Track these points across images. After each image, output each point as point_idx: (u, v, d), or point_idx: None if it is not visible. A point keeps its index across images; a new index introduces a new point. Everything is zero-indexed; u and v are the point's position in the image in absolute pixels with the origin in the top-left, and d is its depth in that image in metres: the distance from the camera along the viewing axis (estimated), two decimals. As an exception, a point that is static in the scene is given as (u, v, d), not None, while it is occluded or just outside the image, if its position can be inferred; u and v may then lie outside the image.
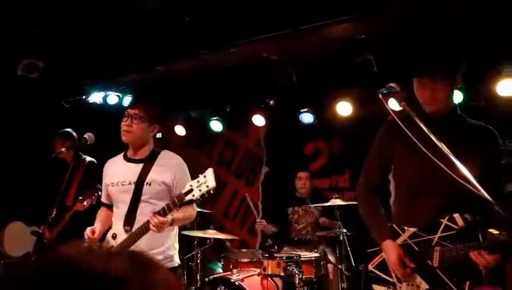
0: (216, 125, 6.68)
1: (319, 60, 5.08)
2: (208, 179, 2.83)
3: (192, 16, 4.30)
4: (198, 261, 5.20)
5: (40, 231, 3.41)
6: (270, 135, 6.98)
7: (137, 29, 4.62)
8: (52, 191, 3.16)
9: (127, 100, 5.88)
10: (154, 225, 2.90)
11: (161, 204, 3.06)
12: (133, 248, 3.00)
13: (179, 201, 2.91)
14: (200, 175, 2.88)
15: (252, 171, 7.22)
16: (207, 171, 2.88)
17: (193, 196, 2.85)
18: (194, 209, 3.27)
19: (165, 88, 5.97)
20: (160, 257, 3.10)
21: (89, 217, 3.33)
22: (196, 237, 5.26)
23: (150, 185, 3.13)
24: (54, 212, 2.87)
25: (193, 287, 5.28)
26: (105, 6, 4.30)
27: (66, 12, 4.32)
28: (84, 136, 2.99)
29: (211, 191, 2.84)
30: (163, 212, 2.92)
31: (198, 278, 5.15)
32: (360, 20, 4.12)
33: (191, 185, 2.87)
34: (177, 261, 3.26)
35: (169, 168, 3.17)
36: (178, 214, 3.11)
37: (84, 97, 5.80)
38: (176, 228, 3.32)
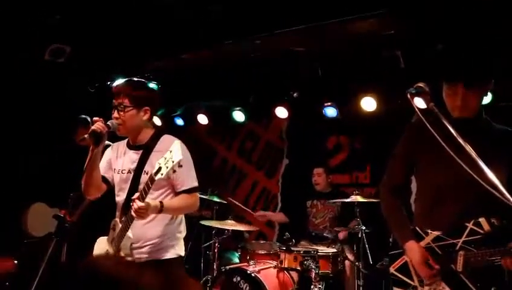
0: (239, 116, 6.67)
1: (345, 54, 5.02)
2: (174, 154, 2.67)
3: (218, 6, 4.28)
4: (216, 250, 5.22)
5: (61, 215, 3.44)
6: (293, 127, 6.93)
7: (164, 16, 4.63)
8: (75, 176, 3.18)
9: (152, 87, 5.91)
10: (133, 211, 2.77)
11: (160, 194, 2.98)
12: (126, 237, 2.92)
13: (150, 182, 2.76)
14: (167, 151, 2.72)
15: (273, 163, 7.20)
16: (173, 144, 2.72)
17: (161, 174, 2.69)
18: (192, 198, 3.06)
19: (189, 77, 5.99)
20: (150, 248, 2.99)
21: (107, 201, 3.32)
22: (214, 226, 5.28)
23: (147, 173, 2.95)
24: (75, 197, 2.88)
25: (209, 276, 5.32)
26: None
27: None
28: (108, 122, 2.96)
29: (178, 165, 2.68)
30: (141, 197, 2.77)
31: (214, 267, 5.17)
32: (389, 15, 4.05)
33: (159, 163, 2.71)
34: (176, 252, 3.10)
35: (164, 154, 2.94)
36: (170, 201, 2.99)
37: (109, 83, 5.84)
38: (180, 217, 3.16)
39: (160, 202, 2.91)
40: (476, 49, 2.67)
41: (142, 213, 2.79)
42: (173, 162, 2.66)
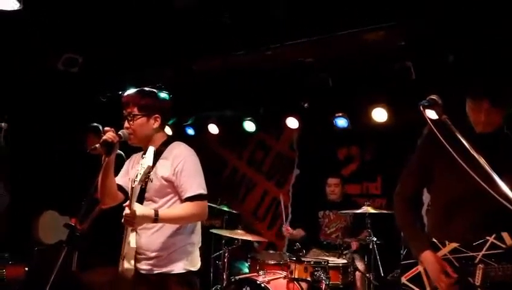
0: (249, 126, 6.68)
1: (355, 65, 5.02)
2: (146, 160, 2.61)
3: (230, 17, 4.31)
4: (226, 260, 5.21)
5: (72, 224, 3.46)
6: (303, 137, 6.94)
7: (175, 27, 4.67)
8: (86, 185, 3.19)
9: (163, 96, 5.94)
10: (123, 219, 2.71)
11: (165, 202, 2.91)
12: (126, 245, 2.83)
13: (131, 190, 2.70)
14: (143, 157, 2.67)
15: (283, 173, 7.19)
16: (147, 150, 2.68)
17: (136, 181, 2.63)
18: (196, 206, 2.88)
19: (200, 87, 6.02)
20: (155, 260, 2.89)
21: (117, 211, 3.32)
22: (224, 236, 5.27)
23: (152, 181, 2.89)
24: (85, 206, 2.88)
25: (219, 286, 5.31)
26: (143, 4, 4.35)
27: (104, 9, 4.39)
28: (119, 132, 2.97)
29: (149, 171, 2.66)
30: (129, 205, 2.69)
31: (224, 277, 5.16)
32: (400, 27, 4.05)
33: (137, 170, 2.67)
34: (185, 267, 2.93)
35: (169, 161, 2.86)
36: (167, 210, 2.87)
37: (120, 93, 5.88)
38: (191, 229, 3.00)
39: (155, 211, 2.79)
40: (501, 65, 2.65)
41: (129, 221, 2.70)
42: (144, 167, 2.61)
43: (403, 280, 2.64)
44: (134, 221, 2.72)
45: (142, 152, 3.14)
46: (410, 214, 2.69)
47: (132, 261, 2.83)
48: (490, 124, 2.45)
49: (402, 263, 2.68)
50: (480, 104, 2.42)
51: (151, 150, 2.69)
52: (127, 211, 2.69)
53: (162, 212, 2.81)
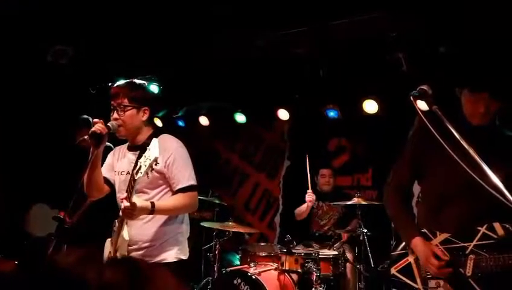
0: (240, 117, 6.67)
1: (347, 56, 5.01)
2: (151, 152, 2.61)
3: (221, 8, 4.27)
4: (216, 252, 5.21)
5: (61, 217, 3.44)
6: (294, 129, 6.93)
7: (164, 19, 4.62)
8: (75, 178, 3.16)
9: (153, 88, 5.89)
10: (121, 211, 2.73)
11: (156, 193, 2.94)
12: (120, 237, 2.85)
13: (133, 182, 2.71)
14: (147, 149, 2.67)
15: (274, 164, 7.19)
16: (152, 141, 2.67)
17: (141, 173, 2.63)
18: (188, 197, 2.96)
19: (190, 78, 5.98)
20: (148, 250, 2.93)
21: (107, 203, 3.30)
22: (215, 228, 5.26)
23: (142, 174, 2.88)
24: (74, 199, 2.86)
25: (210, 278, 5.30)
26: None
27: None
28: (108, 124, 2.95)
29: (155, 162, 2.61)
30: (127, 198, 2.72)
31: (215, 269, 5.16)
32: (391, 18, 4.04)
33: (139, 162, 2.66)
34: (177, 255, 3.01)
35: (161, 153, 2.84)
36: (162, 202, 2.91)
37: (110, 84, 5.83)
38: (181, 219, 3.07)
39: (151, 202, 2.83)
40: (501, 58, 2.65)
41: (128, 213, 2.74)
42: (150, 159, 2.60)
43: (393, 271, 2.63)
44: (134, 213, 2.75)
45: (126, 145, 3.17)
46: (401, 204, 2.69)
47: (125, 253, 2.85)
48: (487, 115, 2.44)
49: (392, 254, 2.68)
50: (480, 96, 2.41)
51: (155, 142, 2.68)
52: (126, 203, 2.71)
53: (158, 203, 2.86)
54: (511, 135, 2.57)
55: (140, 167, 2.66)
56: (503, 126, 2.58)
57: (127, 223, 2.85)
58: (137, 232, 2.91)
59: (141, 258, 2.62)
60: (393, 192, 2.74)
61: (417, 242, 2.50)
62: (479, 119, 2.46)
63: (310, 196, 5.29)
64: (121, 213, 2.77)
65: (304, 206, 5.38)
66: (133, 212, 2.74)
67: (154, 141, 2.69)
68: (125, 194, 2.78)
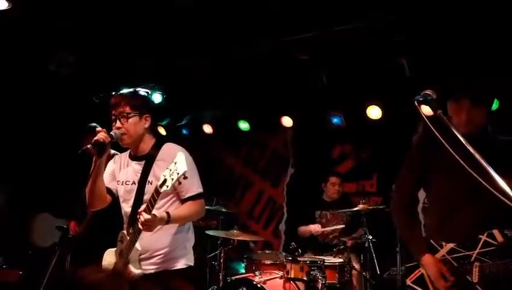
0: (244, 125, 6.67)
1: (350, 62, 5.01)
2: (179, 165, 2.60)
3: (225, 15, 4.28)
4: (221, 260, 5.18)
5: (64, 226, 3.43)
6: (298, 136, 6.92)
7: (168, 27, 4.64)
8: (79, 187, 3.15)
9: (156, 97, 5.90)
10: (140, 223, 2.73)
11: (164, 203, 2.94)
12: (134, 249, 2.88)
13: (156, 195, 2.71)
14: (172, 162, 2.65)
15: (278, 172, 7.17)
16: (177, 156, 2.65)
17: (167, 186, 2.63)
18: (198, 205, 3.01)
19: (194, 86, 5.99)
20: (159, 259, 2.95)
21: (112, 213, 3.29)
22: (220, 236, 5.24)
23: (151, 183, 2.92)
24: (79, 208, 2.86)
25: (215, 287, 5.27)
26: (136, 4, 4.32)
27: (95, 9, 4.36)
28: (111, 133, 2.94)
29: (183, 177, 2.61)
30: (147, 210, 2.73)
31: (220, 277, 5.13)
32: (394, 24, 4.04)
33: (164, 175, 2.66)
34: (186, 262, 3.05)
35: (167, 163, 2.83)
36: (177, 211, 2.93)
37: (113, 93, 5.84)
38: (187, 227, 3.11)
39: (167, 213, 2.86)
40: (481, 65, 2.67)
41: (149, 226, 2.76)
42: (178, 174, 2.60)
43: (408, 282, 2.69)
44: (155, 225, 2.78)
45: (126, 153, 3.16)
46: (408, 217, 2.72)
47: (137, 264, 2.90)
48: (473, 124, 2.48)
49: (406, 265, 2.72)
50: (461, 104, 2.46)
51: (181, 155, 2.66)
52: (146, 216, 2.72)
53: (173, 213, 2.89)
54: (505, 140, 2.59)
55: (165, 180, 2.66)
56: (495, 132, 2.58)
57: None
58: (148, 241, 2.92)
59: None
60: (399, 203, 2.77)
61: (426, 261, 2.57)
62: (464, 127, 2.47)
63: (316, 229, 5.39)
64: (140, 225, 2.76)
65: (307, 231, 5.46)
66: (153, 224, 2.76)
67: (180, 155, 2.67)
68: (143, 207, 2.78)
